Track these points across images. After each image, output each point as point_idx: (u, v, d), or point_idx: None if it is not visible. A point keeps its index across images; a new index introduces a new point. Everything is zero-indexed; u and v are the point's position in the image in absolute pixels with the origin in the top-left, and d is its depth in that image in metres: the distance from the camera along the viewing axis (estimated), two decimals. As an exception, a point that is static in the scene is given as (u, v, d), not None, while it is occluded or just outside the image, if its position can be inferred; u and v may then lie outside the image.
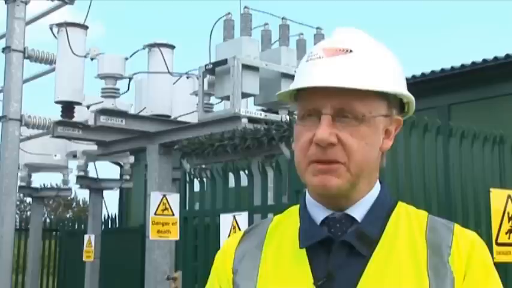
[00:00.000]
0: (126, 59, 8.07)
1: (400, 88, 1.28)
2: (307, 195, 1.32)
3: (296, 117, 1.29)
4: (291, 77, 7.01)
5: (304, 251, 1.25)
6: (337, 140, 1.21)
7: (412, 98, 1.31)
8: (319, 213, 1.28)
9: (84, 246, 8.48)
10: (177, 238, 5.64)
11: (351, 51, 1.23)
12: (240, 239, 1.36)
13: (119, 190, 12.71)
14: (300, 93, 1.27)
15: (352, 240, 1.22)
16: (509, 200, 4.01)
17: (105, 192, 11.01)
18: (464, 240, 1.25)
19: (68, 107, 8.09)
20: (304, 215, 1.30)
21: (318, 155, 1.22)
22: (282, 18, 7.47)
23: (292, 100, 1.31)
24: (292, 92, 1.29)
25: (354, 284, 1.19)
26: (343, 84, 1.19)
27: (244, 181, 6.02)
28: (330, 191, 1.23)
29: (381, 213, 1.27)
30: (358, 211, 1.26)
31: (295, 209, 1.36)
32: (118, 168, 12.49)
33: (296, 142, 1.27)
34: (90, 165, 10.66)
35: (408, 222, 1.28)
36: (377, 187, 1.31)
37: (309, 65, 1.26)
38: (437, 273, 1.20)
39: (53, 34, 8.10)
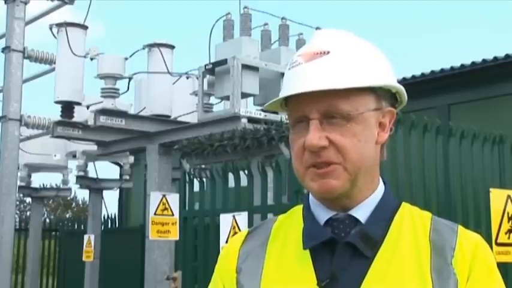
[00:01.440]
0: (126, 59, 8.07)
1: (384, 80, 1.27)
2: (311, 196, 1.32)
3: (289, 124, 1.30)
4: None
5: (308, 251, 1.25)
6: (329, 142, 1.21)
7: (401, 87, 1.30)
8: (322, 213, 1.28)
9: (84, 246, 8.47)
10: (177, 238, 5.63)
11: (327, 52, 1.24)
12: (244, 239, 1.36)
13: (118, 190, 12.70)
14: (288, 102, 1.28)
15: (355, 242, 1.22)
16: (509, 200, 4.01)
17: (105, 192, 11.01)
18: (468, 241, 1.25)
19: (67, 107, 8.09)
20: (308, 215, 1.31)
21: (313, 160, 1.22)
22: (282, 18, 7.48)
23: (284, 108, 1.32)
24: (281, 102, 1.30)
25: (357, 285, 1.19)
26: (322, 87, 1.20)
27: (244, 181, 6.02)
28: (331, 194, 1.23)
29: (384, 214, 1.27)
30: (362, 212, 1.26)
31: (298, 209, 1.36)
32: (118, 168, 12.49)
33: (291, 150, 1.28)
34: (90, 165, 10.66)
35: (412, 224, 1.28)
36: (381, 188, 1.31)
37: (290, 73, 1.27)
38: (441, 275, 1.20)
39: (53, 34, 8.10)
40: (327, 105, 1.21)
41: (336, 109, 1.21)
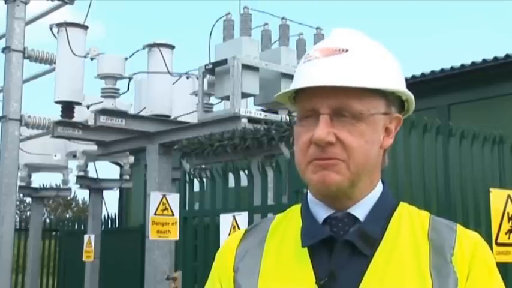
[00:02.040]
0: (126, 59, 8.07)
1: (398, 86, 1.28)
2: (309, 195, 1.32)
3: (295, 118, 1.29)
4: (291, 77, 6.97)
5: (306, 250, 1.25)
6: (336, 139, 1.21)
7: (411, 95, 1.31)
8: (321, 212, 1.28)
9: (84, 246, 8.47)
10: (177, 238, 5.63)
11: (346, 50, 1.24)
12: (242, 238, 1.36)
13: (118, 190, 12.70)
14: (298, 95, 1.28)
15: (354, 240, 1.22)
16: (509, 200, 4.01)
17: (105, 192, 11.01)
18: (467, 240, 1.25)
19: (67, 107, 8.09)
20: (306, 214, 1.30)
21: (317, 154, 1.22)
22: (282, 18, 7.47)
23: (291, 102, 1.32)
24: (290, 94, 1.29)
25: (356, 284, 1.19)
26: (338, 83, 1.20)
27: (244, 181, 6.02)
28: (329, 188, 1.23)
29: (383, 212, 1.27)
30: (361, 210, 1.26)
31: (296, 208, 1.36)
32: (118, 168, 12.49)
33: (296, 143, 1.28)
34: (90, 165, 10.67)
35: (410, 222, 1.28)
36: (379, 187, 1.31)
37: (305, 66, 1.26)
38: (440, 273, 1.20)
39: (53, 34, 8.10)
40: (339, 102, 1.21)
41: (348, 107, 1.21)
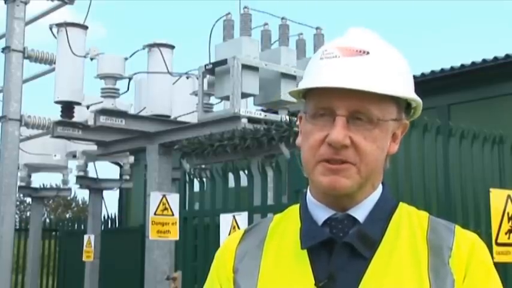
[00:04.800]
0: (126, 59, 8.07)
1: (413, 93, 1.28)
2: (308, 195, 1.31)
3: (306, 114, 1.27)
4: (291, 77, 7.01)
5: (305, 251, 1.24)
6: (351, 142, 1.20)
7: (421, 103, 1.30)
8: (321, 213, 1.27)
9: (84, 246, 8.47)
10: (177, 238, 5.63)
11: (367, 53, 1.22)
12: (241, 238, 1.35)
13: (118, 190, 12.70)
14: (313, 91, 1.25)
15: (353, 242, 1.22)
16: (509, 200, 4.01)
17: (105, 192, 11.01)
18: (465, 241, 1.25)
19: (67, 107, 8.09)
20: (306, 215, 1.30)
21: (329, 155, 1.21)
22: (282, 18, 7.47)
23: (301, 97, 1.30)
24: (302, 89, 1.27)
25: (355, 286, 1.19)
26: (361, 87, 1.18)
27: (244, 181, 6.02)
28: (339, 192, 1.23)
29: (382, 214, 1.27)
30: (361, 212, 1.26)
31: (295, 209, 1.35)
32: (118, 168, 12.49)
33: (305, 140, 1.26)
34: (90, 165, 10.66)
35: (409, 224, 1.28)
36: (379, 188, 1.31)
37: (323, 63, 1.24)
38: (438, 275, 1.20)
39: (53, 34, 8.10)
40: (358, 105, 1.20)
41: (367, 112, 1.21)
